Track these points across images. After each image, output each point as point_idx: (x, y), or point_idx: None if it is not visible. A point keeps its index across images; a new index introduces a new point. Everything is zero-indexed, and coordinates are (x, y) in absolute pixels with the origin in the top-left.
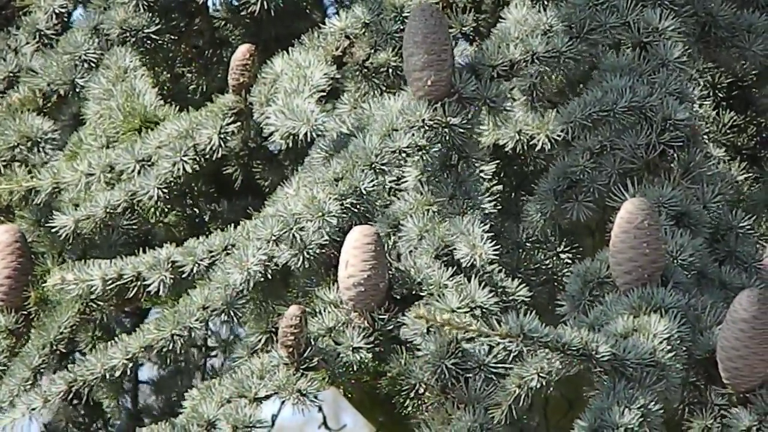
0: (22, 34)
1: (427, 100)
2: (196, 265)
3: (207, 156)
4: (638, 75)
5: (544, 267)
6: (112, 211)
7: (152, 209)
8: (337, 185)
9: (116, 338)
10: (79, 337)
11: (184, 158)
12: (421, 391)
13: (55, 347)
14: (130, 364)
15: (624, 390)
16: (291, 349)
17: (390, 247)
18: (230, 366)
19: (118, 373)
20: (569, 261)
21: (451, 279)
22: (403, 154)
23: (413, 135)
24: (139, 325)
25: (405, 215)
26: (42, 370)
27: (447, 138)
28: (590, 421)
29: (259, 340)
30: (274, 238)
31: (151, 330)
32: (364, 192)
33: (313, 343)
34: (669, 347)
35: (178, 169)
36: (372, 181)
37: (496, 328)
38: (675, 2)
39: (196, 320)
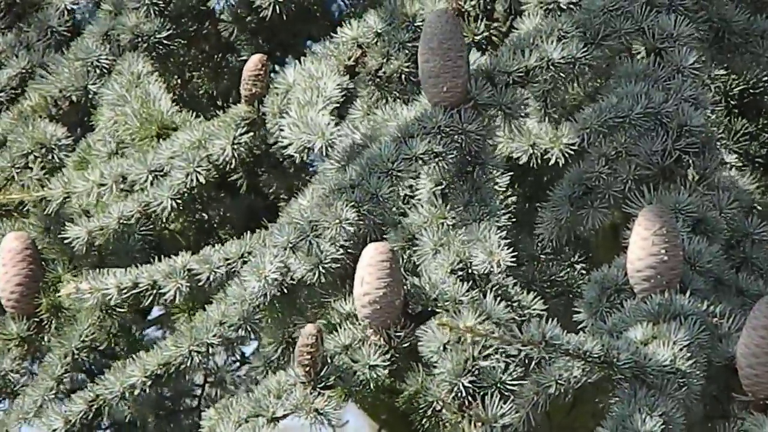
0: (33, 31)
1: (443, 106)
2: (213, 273)
3: (220, 166)
4: (653, 81)
5: (559, 279)
6: (125, 221)
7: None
8: (353, 192)
9: (132, 336)
10: (96, 336)
11: (198, 169)
12: (438, 408)
13: (77, 356)
14: (149, 382)
15: (645, 397)
16: (308, 368)
17: (405, 261)
18: (246, 374)
19: (137, 391)
20: (584, 272)
21: (466, 294)
22: (420, 161)
23: (429, 142)
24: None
25: (419, 229)
26: (65, 379)
27: (463, 144)
28: (612, 428)
29: (276, 351)
30: (290, 245)
31: (168, 347)
32: (381, 199)
33: (329, 361)
34: (689, 354)
35: (192, 180)
36: (389, 188)
37: (518, 336)
38: (689, 8)
39: (214, 336)
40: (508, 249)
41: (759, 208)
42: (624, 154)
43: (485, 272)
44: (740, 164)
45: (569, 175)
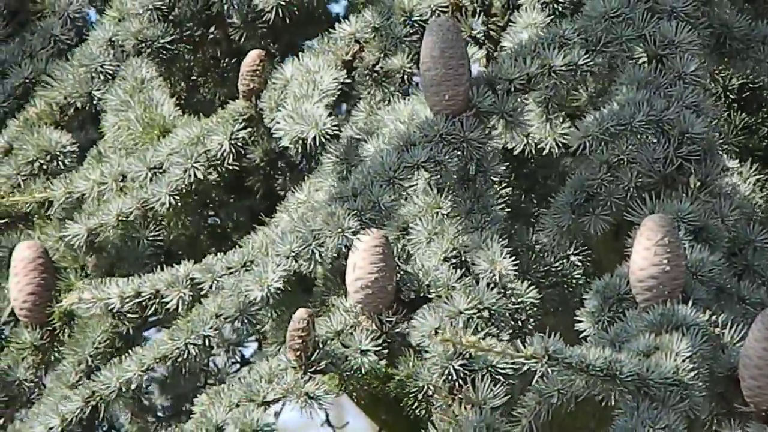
0: (36, 40)
1: (445, 114)
2: (215, 281)
3: (218, 162)
4: (655, 88)
5: (554, 269)
6: (124, 218)
7: (172, 221)
8: (355, 201)
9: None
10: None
11: (195, 165)
12: (429, 393)
13: (91, 363)
14: (145, 376)
15: (648, 410)
16: (299, 353)
17: (399, 249)
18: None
19: (133, 386)
20: (579, 264)
21: (459, 281)
22: (421, 169)
23: (431, 150)
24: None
25: (414, 218)
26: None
27: (465, 152)
28: None
29: (278, 350)
30: (293, 254)
31: (165, 340)
32: (383, 207)
33: (321, 346)
34: (691, 366)
35: (190, 176)
36: (391, 196)
37: (521, 350)
38: (690, 14)
39: (210, 328)
40: (510, 257)
41: (761, 214)
42: (626, 161)
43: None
44: (739, 164)
45: (571, 182)
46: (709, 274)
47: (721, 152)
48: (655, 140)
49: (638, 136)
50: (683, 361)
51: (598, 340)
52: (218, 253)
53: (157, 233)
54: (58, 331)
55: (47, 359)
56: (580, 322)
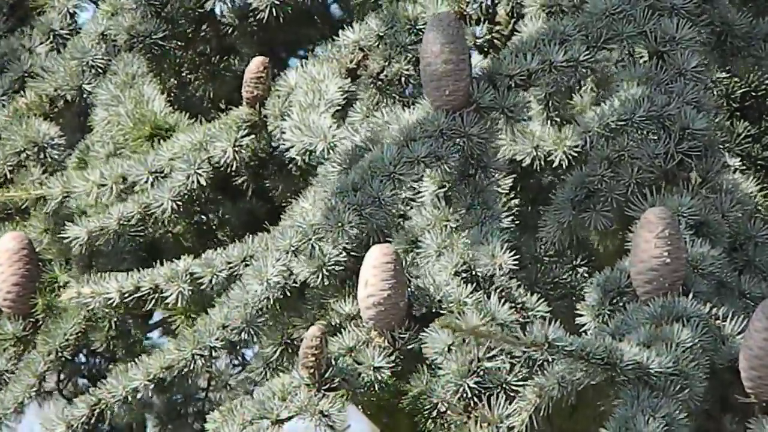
0: (36, 34)
1: (445, 109)
2: (215, 276)
3: (221, 168)
4: (656, 84)
5: (561, 281)
6: (125, 223)
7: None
8: (355, 195)
9: (132, 338)
10: (93, 337)
11: (198, 171)
12: (443, 410)
13: (60, 354)
14: (152, 386)
15: (648, 399)
16: (312, 370)
17: (408, 263)
18: (245, 375)
19: (139, 395)
20: (587, 275)
21: (470, 296)
22: (422, 165)
23: (432, 145)
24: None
25: (423, 231)
26: (47, 377)
27: (465, 148)
28: (615, 429)
29: (275, 352)
30: (293, 249)
31: (171, 350)
32: (383, 202)
33: (333, 363)
34: (692, 356)
35: (192, 182)
36: (391, 191)
37: (521, 337)
38: (691, 11)
39: (216, 339)
40: (510, 252)
41: (761, 210)
42: (626, 157)
43: (489, 275)
44: (743, 167)
45: (572, 178)
46: (709, 268)
47: (722, 148)
48: (655, 136)
49: (639, 132)
50: (683, 351)
51: (598, 332)
52: (206, 251)
53: (139, 230)
54: (41, 322)
55: (29, 351)
56: (581, 315)
